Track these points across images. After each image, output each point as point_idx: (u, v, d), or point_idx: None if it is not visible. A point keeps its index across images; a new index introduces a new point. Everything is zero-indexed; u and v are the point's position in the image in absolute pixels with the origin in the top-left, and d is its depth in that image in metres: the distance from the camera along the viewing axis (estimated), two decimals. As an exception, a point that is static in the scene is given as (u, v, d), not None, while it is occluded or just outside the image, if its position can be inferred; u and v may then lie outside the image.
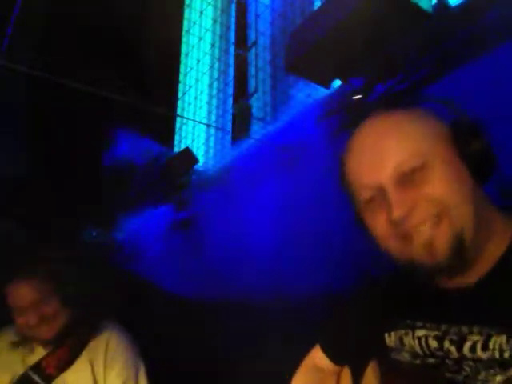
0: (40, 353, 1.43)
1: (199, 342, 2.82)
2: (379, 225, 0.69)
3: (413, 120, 0.69)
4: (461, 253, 0.64)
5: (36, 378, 1.37)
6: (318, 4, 3.40)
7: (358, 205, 0.73)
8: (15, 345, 1.44)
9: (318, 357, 0.96)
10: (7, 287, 1.38)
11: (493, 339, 0.62)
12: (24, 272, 1.39)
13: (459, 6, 2.40)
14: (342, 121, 2.80)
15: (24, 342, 1.44)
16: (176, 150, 4.97)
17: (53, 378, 1.37)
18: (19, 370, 1.40)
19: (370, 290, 0.90)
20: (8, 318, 1.46)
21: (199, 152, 4.58)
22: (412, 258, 0.66)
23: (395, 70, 2.56)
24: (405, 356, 0.75)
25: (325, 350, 0.95)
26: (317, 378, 0.95)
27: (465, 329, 0.66)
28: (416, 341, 0.72)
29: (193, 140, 4.87)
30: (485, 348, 0.62)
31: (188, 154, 4.15)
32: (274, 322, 2.42)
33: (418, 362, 0.73)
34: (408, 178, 0.65)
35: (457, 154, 0.66)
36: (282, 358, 1.24)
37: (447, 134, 0.68)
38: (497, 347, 0.61)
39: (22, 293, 1.36)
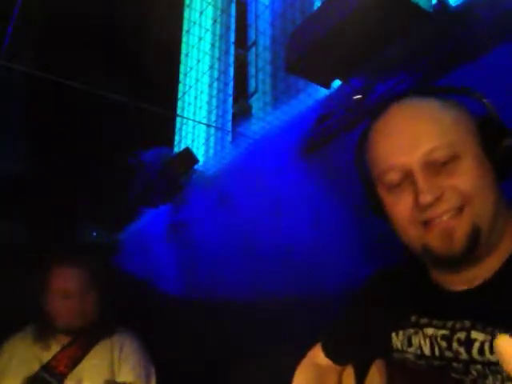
0: (55, 350, 1.47)
1: (199, 342, 2.82)
2: (402, 208, 0.68)
3: (446, 108, 0.68)
4: (476, 246, 0.64)
5: (47, 376, 1.40)
6: (318, 4, 3.39)
7: (380, 188, 0.72)
8: (33, 341, 1.49)
9: (319, 355, 0.96)
10: (53, 269, 1.45)
11: None
12: (71, 261, 1.47)
13: (459, 6, 2.40)
14: (342, 121, 2.80)
15: (41, 338, 1.49)
16: (176, 150, 4.97)
17: (64, 375, 1.40)
18: (35, 367, 1.44)
19: (373, 288, 0.89)
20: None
21: (199, 152, 4.58)
22: (428, 244, 0.66)
23: (395, 70, 2.56)
24: (409, 357, 0.75)
25: (326, 351, 0.95)
26: (318, 376, 0.94)
27: (467, 322, 0.66)
28: (427, 340, 0.72)
29: (193, 140, 4.87)
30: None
31: (188, 154, 4.15)
32: (273, 322, 2.43)
33: (422, 362, 0.72)
34: (437, 167, 0.65)
35: (484, 149, 0.67)
36: (281, 358, 1.24)
37: (476, 128, 0.68)
38: None
39: (72, 277, 1.43)
